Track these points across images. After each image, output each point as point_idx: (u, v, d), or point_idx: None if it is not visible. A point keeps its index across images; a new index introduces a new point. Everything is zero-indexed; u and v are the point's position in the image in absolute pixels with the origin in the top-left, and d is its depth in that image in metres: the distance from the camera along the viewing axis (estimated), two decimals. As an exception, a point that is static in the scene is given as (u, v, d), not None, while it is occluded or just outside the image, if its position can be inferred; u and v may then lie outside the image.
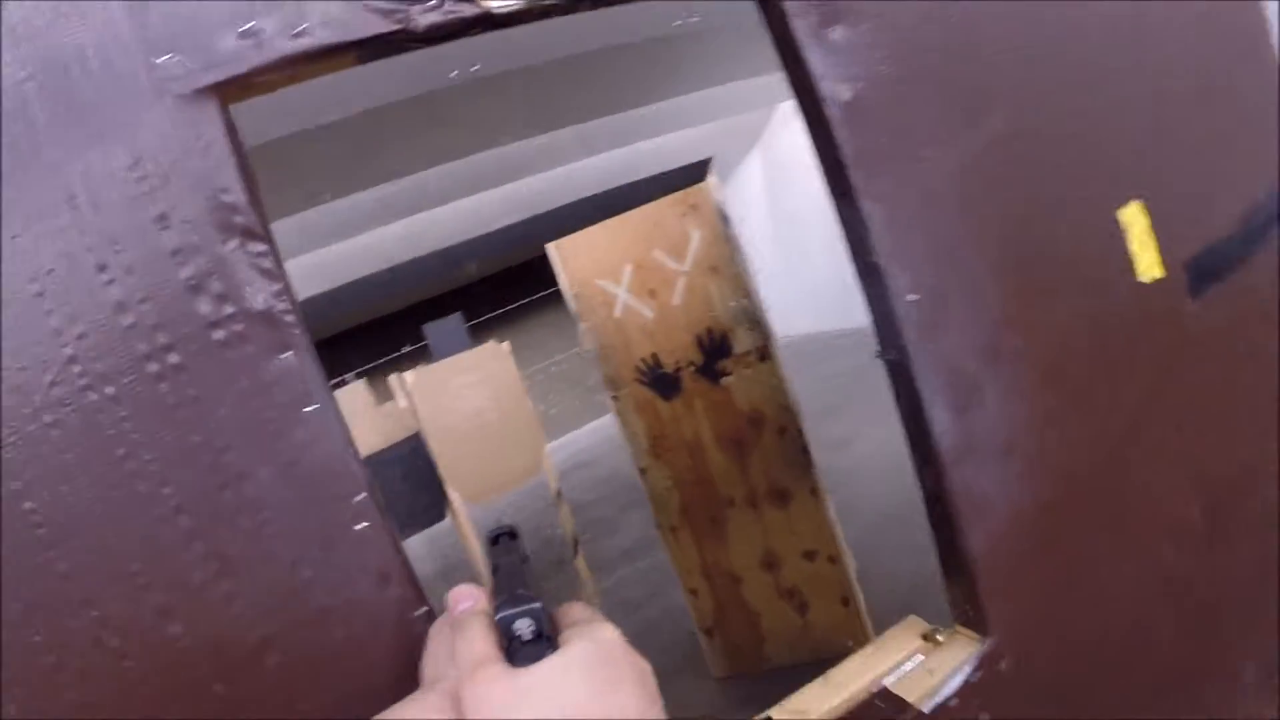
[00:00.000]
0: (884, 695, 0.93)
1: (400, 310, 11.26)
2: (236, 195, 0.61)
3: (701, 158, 9.54)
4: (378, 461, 3.90)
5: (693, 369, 3.37)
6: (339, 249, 6.79)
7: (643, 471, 3.48)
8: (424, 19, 0.66)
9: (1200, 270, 1.11)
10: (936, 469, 0.90)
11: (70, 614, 0.60)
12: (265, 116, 3.76)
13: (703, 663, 3.53)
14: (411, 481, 3.94)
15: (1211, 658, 1.14)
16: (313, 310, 8.24)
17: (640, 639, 4.04)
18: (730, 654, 3.50)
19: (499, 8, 0.69)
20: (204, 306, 0.60)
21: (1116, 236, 1.03)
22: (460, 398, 3.95)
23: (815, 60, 0.89)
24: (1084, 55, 1.03)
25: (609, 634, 0.48)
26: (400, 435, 4.03)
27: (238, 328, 0.61)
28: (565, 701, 0.42)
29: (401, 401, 3.95)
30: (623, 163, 8.44)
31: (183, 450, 0.60)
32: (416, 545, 7.84)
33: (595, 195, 8.87)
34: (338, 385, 4.72)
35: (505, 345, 4.16)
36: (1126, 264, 1.03)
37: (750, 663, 3.48)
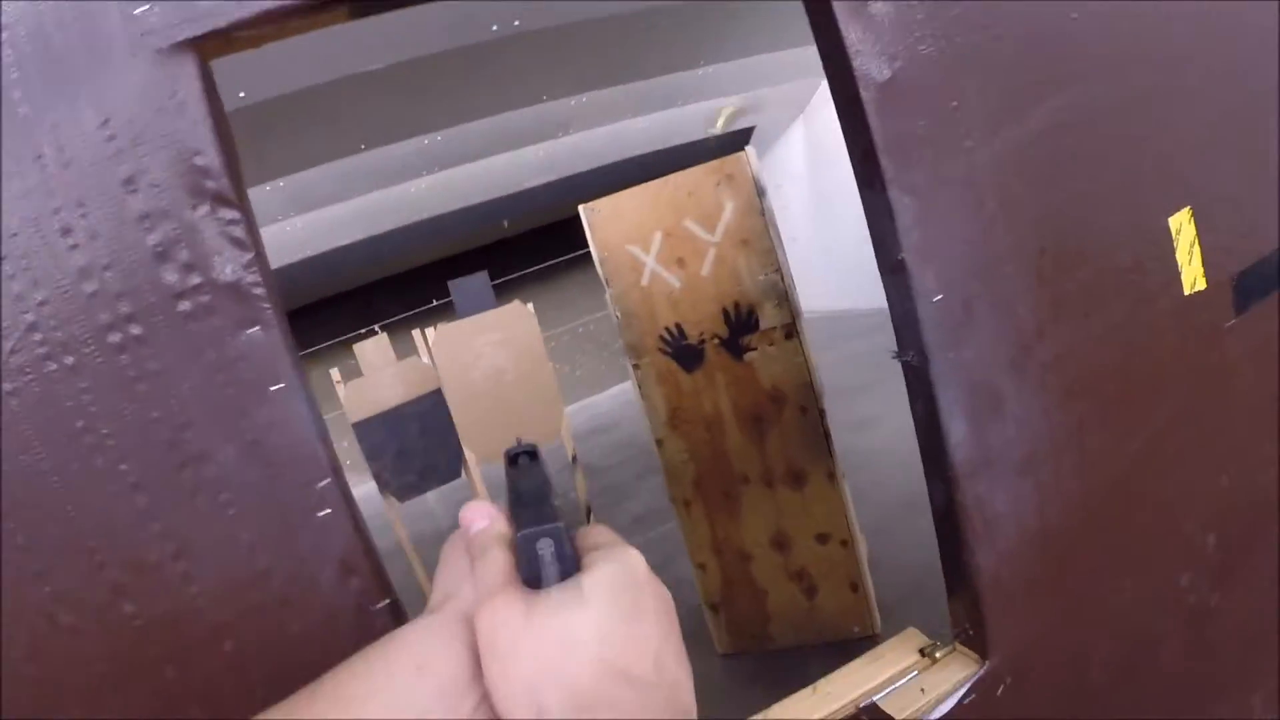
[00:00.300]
0: (872, 710, 0.89)
1: (433, 263, 11.27)
2: (210, 158, 0.57)
3: (745, 126, 9.36)
4: (397, 415, 3.91)
5: (717, 342, 3.33)
6: (375, 198, 6.77)
7: (659, 442, 3.46)
8: (420, -25, 0.61)
9: (1247, 285, 1.04)
10: (948, 482, 0.85)
11: (26, 585, 0.58)
12: (301, 63, 3.72)
13: (707, 638, 3.53)
14: (429, 437, 3.95)
15: (1220, 690, 1.09)
16: (346, 259, 8.27)
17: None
18: (735, 631, 3.49)
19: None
20: (170, 275, 0.57)
21: (1164, 244, 0.96)
22: (481, 356, 3.94)
23: (852, 35, 0.82)
24: (1145, 48, 0.96)
25: (634, 559, 0.45)
26: (421, 390, 4.03)
27: (204, 299, 0.58)
28: (584, 627, 0.40)
29: (424, 357, 3.95)
30: (664, 127, 8.30)
31: (142, 425, 0.58)
32: (431, 500, 7.93)
33: (636, 158, 8.75)
34: (367, 336, 4.73)
35: (529, 306, 4.13)
36: (1172, 275, 0.96)
37: (754, 641, 3.47)
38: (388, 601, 0.64)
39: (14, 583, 0.58)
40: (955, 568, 0.88)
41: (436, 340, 3.77)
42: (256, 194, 5.66)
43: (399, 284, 11.60)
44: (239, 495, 0.60)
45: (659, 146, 8.76)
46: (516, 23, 3.94)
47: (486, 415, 3.90)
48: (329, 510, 0.61)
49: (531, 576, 0.44)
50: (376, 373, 3.93)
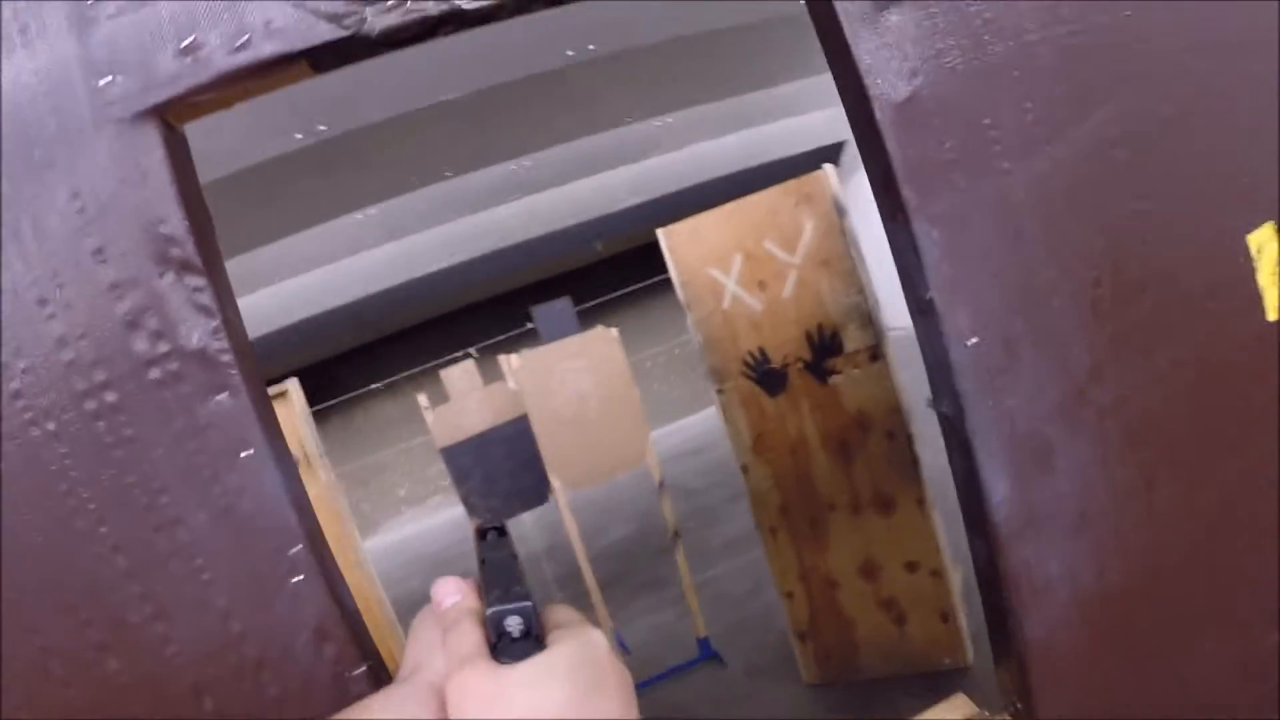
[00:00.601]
0: (913, 784, 0.82)
1: (522, 288, 11.50)
2: (174, 226, 0.57)
3: (832, 141, 9.15)
4: (483, 440, 3.98)
5: (800, 366, 3.25)
6: (463, 224, 6.98)
7: (744, 469, 3.40)
8: (380, 21, 0.59)
9: None
10: (990, 543, 0.77)
11: (18, 639, 0.60)
12: (379, 94, 3.87)
13: (794, 667, 3.42)
14: (516, 462, 4.00)
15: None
16: (435, 285, 8.52)
17: (732, 636, 3.97)
18: (822, 661, 3.37)
19: (471, 4, 0.62)
20: (140, 344, 0.58)
21: (1243, 266, 0.85)
22: (565, 383, 3.97)
23: (863, 48, 0.76)
24: (1213, 38, 0.84)
25: (596, 638, 0.47)
26: (508, 416, 4.09)
27: (173, 366, 0.58)
28: (548, 701, 0.42)
29: (511, 382, 4.01)
30: (752, 144, 8.22)
31: (119, 490, 0.58)
32: (526, 521, 8.05)
33: (727, 176, 8.70)
34: (457, 360, 4.86)
35: (613, 331, 4.14)
36: (1253, 300, 0.85)
37: (842, 671, 3.35)
38: (365, 667, 0.62)
39: (9, 633, 0.60)
40: (1001, 635, 0.80)
41: (520, 367, 3.82)
42: (346, 223, 5.93)
43: (488, 309, 11.90)
44: (212, 560, 0.60)
45: (749, 164, 8.68)
46: (591, 47, 3.99)
47: (572, 441, 3.92)
48: (301, 577, 0.60)
49: (500, 651, 0.45)
50: (463, 398, 4.02)
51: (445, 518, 11.83)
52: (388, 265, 7.38)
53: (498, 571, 0.54)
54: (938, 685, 3.02)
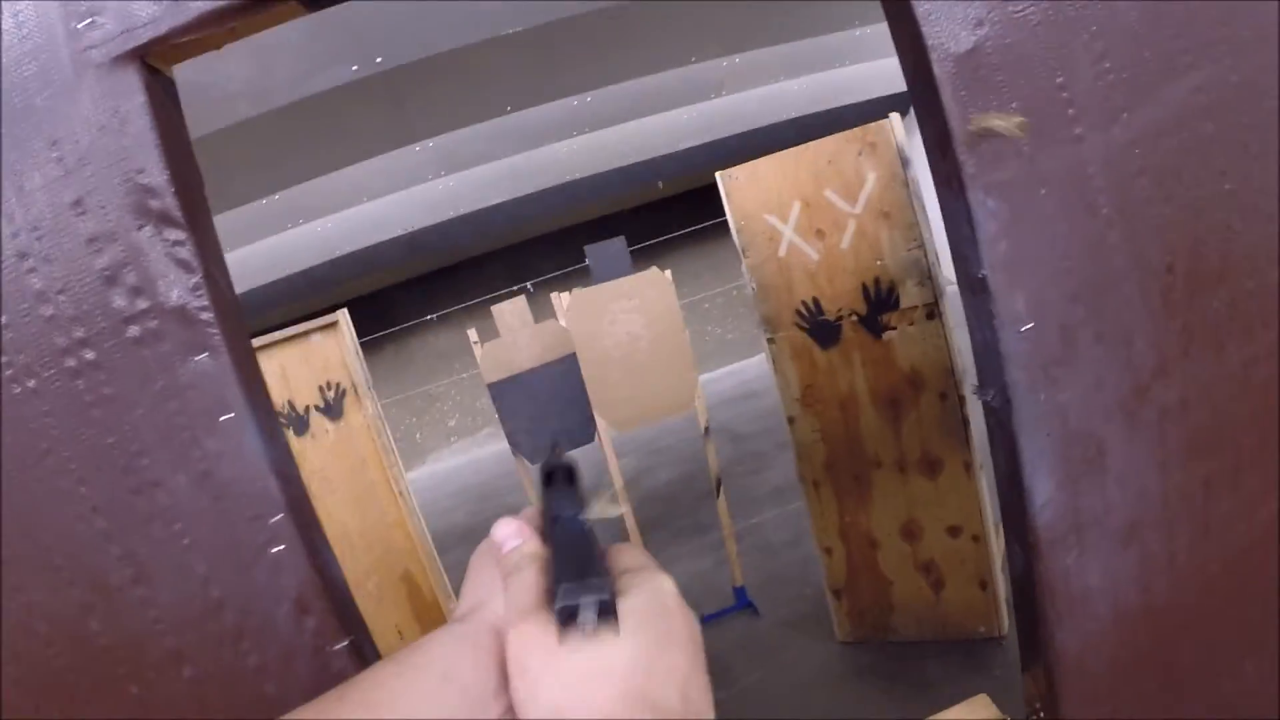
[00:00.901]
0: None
1: (581, 224, 11.39)
2: (154, 176, 0.54)
3: (901, 90, 8.71)
4: (531, 378, 4.00)
5: (855, 319, 3.15)
6: (523, 159, 6.89)
7: (790, 420, 3.34)
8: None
9: None
10: (1029, 549, 0.71)
11: (7, 596, 0.60)
12: (438, 27, 3.79)
13: (827, 623, 3.40)
14: (562, 400, 4.01)
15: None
16: (494, 218, 8.48)
17: (769, 587, 3.97)
18: (856, 619, 3.35)
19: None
20: (119, 300, 0.55)
21: None
22: (615, 323, 3.94)
23: None
24: None
25: (666, 585, 0.45)
26: (557, 354, 4.09)
27: (152, 324, 0.55)
28: (616, 656, 0.40)
29: (562, 320, 3.99)
30: (821, 89, 7.88)
31: (98, 450, 0.57)
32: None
33: (792, 120, 8.40)
34: (513, 294, 4.86)
35: (666, 273, 4.07)
36: None
37: (876, 631, 3.32)
38: (348, 641, 0.60)
39: None
40: (1031, 644, 0.74)
41: (571, 306, 3.79)
42: (405, 154, 5.90)
43: (545, 244, 11.86)
44: (192, 525, 0.58)
45: (815, 109, 8.35)
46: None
47: (619, 383, 3.90)
48: (282, 547, 0.58)
49: (567, 619, 0.41)
50: (513, 334, 4.02)
51: (492, 450, 12.05)
52: (446, 197, 7.38)
53: (569, 547, 0.48)
54: (971, 652, 2.97)
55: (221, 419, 0.56)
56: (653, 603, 0.43)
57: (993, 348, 0.71)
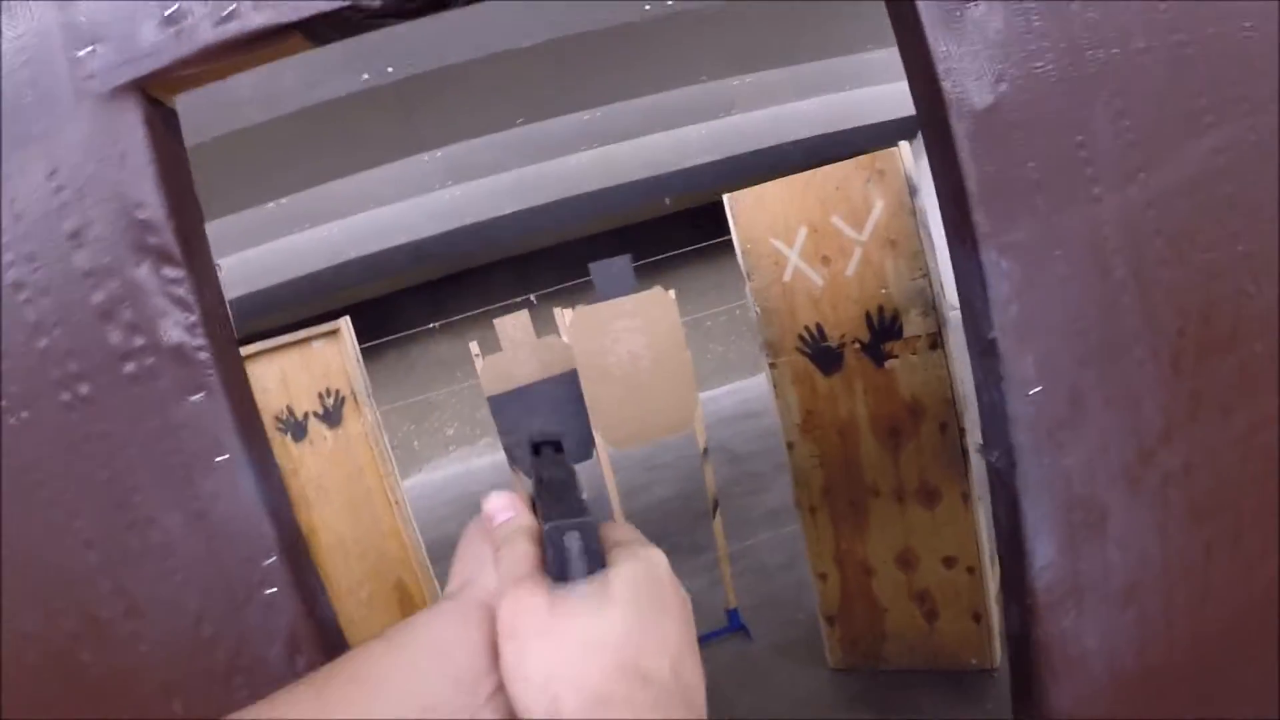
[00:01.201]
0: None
1: (587, 237, 11.39)
2: (153, 211, 0.53)
3: (911, 114, 8.71)
4: (531, 392, 3.99)
5: (857, 346, 3.15)
6: (527, 172, 6.91)
7: (790, 445, 3.34)
8: (382, -4, 0.53)
9: None
10: (1026, 610, 0.69)
11: (1, 622, 0.59)
12: (451, 39, 3.80)
13: (819, 649, 3.38)
14: (561, 417, 4.01)
15: None
16: (495, 230, 8.48)
17: (762, 610, 3.94)
18: (849, 646, 3.32)
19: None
20: (115, 336, 0.54)
21: None
22: (618, 341, 3.93)
23: (943, 46, 0.67)
24: None
25: (657, 558, 0.44)
26: (557, 370, 4.08)
27: (149, 361, 0.55)
28: (607, 623, 0.39)
29: (564, 335, 3.99)
30: (831, 111, 7.91)
31: (92, 485, 0.56)
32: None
33: (797, 142, 8.42)
34: (516, 306, 4.85)
35: (670, 293, 4.07)
36: None
37: (868, 659, 3.30)
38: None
39: (-12, 620, 0.58)
40: (1025, 704, 0.73)
41: (573, 322, 3.79)
42: (413, 163, 5.92)
43: (550, 257, 11.85)
44: (185, 563, 0.57)
45: (825, 130, 8.37)
46: (669, 1, 3.83)
47: (619, 400, 3.89)
48: (275, 589, 0.57)
49: (557, 569, 0.42)
50: (515, 348, 4.02)
51: (490, 460, 12.02)
52: (453, 207, 7.38)
53: (555, 487, 0.49)
54: (962, 684, 2.95)
55: (217, 460, 0.55)
56: (645, 575, 0.42)
57: (1000, 409, 0.70)
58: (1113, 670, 0.70)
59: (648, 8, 3.91)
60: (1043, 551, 0.68)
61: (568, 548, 0.42)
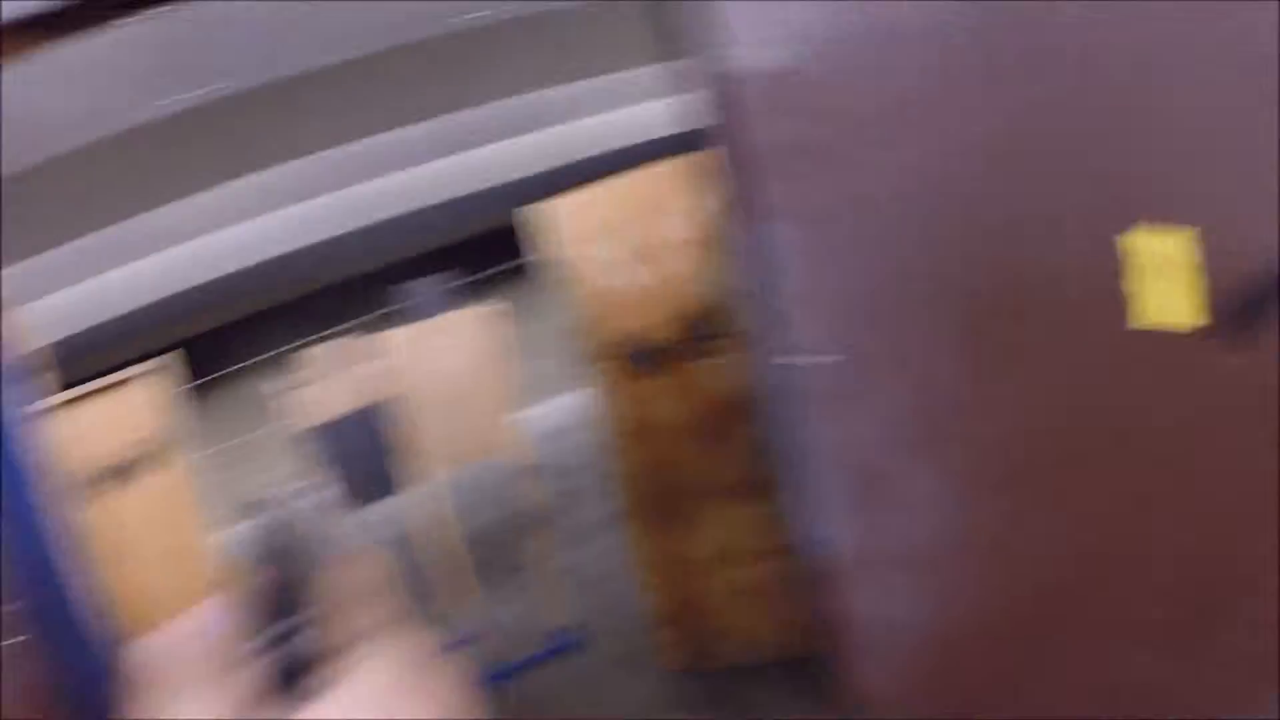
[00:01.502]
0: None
1: (401, 262, 10.97)
2: None
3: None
4: (336, 428, 3.82)
5: (676, 348, 3.21)
6: (332, 199, 6.59)
7: (611, 451, 3.34)
8: None
9: (1245, 314, 0.82)
10: (819, 585, 0.71)
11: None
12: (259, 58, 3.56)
13: (654, 654, 3.41)
14: (379, 446, 3.85)
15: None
16: (298, 262, 7.99)
17: (594, 622, 3.91)
18: (684, 648, 3.37)
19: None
20: None
21: (1124, 274, 0.80)
22: (434, 363, 3.83)
23: (733, 9, 0.67)
24: (1124, 40, 0.75)
25: (405, 641, 0.37)
26: (372, 398, 3.93)
27: None
28: None
29: (371, 365, 3.83)
30: (635, 121, 8.10)
31: None
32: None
33: (596, 156, 8.55)
34: (331, 338, 4.60)
35: (487, 310, 4.02)
36: (1121, 310, 0.80)
37: (703, 659, 3.36)
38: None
39: None
40: (829, 685, 0.75)
41: (387, 347, 3.65)
42: (214, 196, 5.48)
43: (365, 285, 11.31)
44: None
45: (633, 141, 8.55)
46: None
47: (441, 422, 3.78)
48: (19, 638, 0.48)
49: (284, 679, 0.38)
50: (324, 380, 3.84)
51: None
52: (276, 233, 6.88)
53: (271, 590, 0.44)
54: (800, 674, 3.07)
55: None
56: (383, 667, 0.40)
57: (782, 382, 0.71)
58: (923, 638, 0.73)
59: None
60: (830, 523, 0.69)
61: (293, 655, 0.40)
